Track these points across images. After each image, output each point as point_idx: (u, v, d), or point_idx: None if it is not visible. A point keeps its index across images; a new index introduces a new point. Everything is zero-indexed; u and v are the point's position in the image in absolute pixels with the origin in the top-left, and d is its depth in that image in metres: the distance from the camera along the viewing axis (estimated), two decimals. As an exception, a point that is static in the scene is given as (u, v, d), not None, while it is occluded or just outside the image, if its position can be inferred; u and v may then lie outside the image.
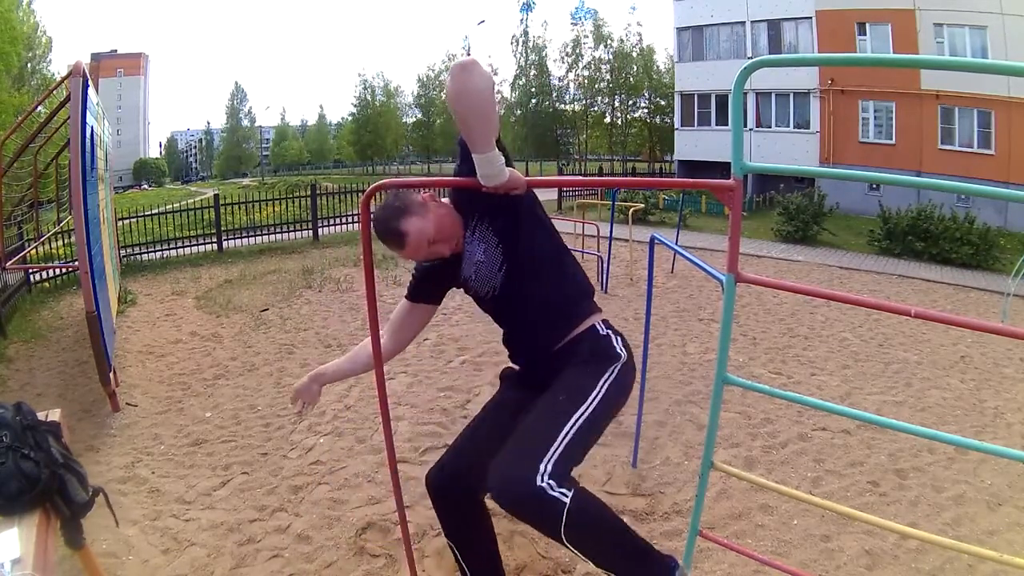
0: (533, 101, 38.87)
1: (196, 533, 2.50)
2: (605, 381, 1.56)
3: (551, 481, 1.31)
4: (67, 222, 7.40)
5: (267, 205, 12.53)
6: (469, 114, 1.39)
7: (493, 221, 1.64)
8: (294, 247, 10.33)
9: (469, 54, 42.64)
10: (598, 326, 1.66)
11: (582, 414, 1.47)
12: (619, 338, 1.66)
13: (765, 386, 1.55)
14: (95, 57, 59.11)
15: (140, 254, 9.27)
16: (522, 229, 1.64)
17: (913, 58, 1.30)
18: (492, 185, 1.45)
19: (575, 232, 8.20)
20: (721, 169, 18.43)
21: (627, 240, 8.46)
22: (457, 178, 1.63)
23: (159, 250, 9.50)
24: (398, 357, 4.75)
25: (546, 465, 1.34)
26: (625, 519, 2.60)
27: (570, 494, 1.31)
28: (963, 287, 9.37)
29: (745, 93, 1.37)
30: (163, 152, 71.89)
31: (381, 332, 1.65)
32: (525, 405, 1.61)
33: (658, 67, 37.32)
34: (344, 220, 11.79)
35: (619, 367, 1.60)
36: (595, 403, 1.51)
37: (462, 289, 1.78)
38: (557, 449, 1.39)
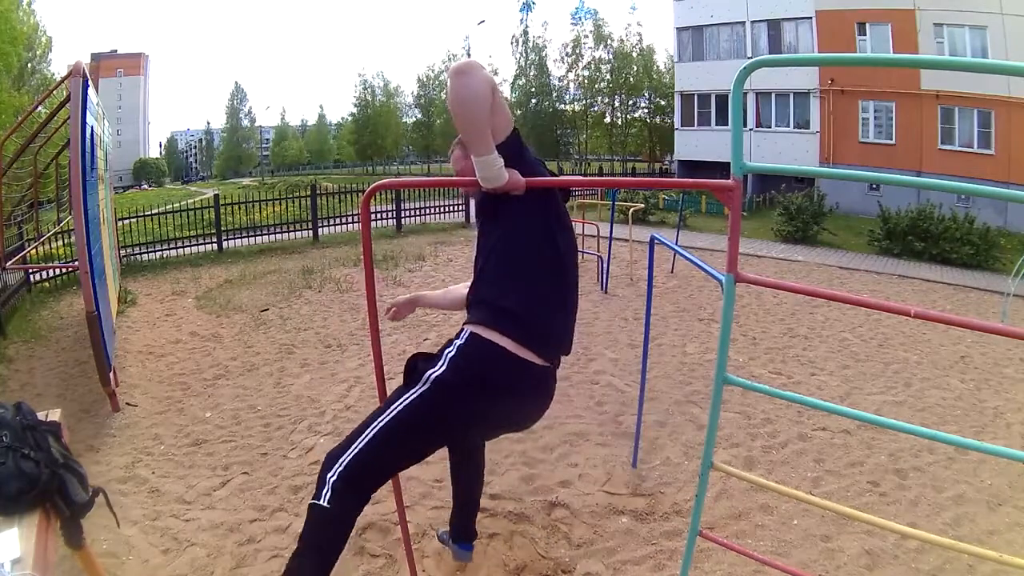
0: (533, 101, 38.87)
1: (196, 533, 2.50)
2: (406, 398, 1.51)
3: (331, 479, 1.46)
4: (67, 222, 7.40)
5: (267, 205, 12.54)
6: (465, 118, 1.40)
7: (488, 213, 1.65)
8: (294, 247, 10.33)
9: (469, 54, 42.74)
10: (457, 339, 1.58)
11: (378, 424, 1.51)
12: (454, 358, 1.52)
13: (765, 386, 1.55)
14: (95, 57, 59.10)
15: (140, 254, 9.27)
16: (498, 226, 1.61)
17: (913, 58, 1.30)
18: (491, 187, 1.46)
19: (575, 232, 8.19)
20: (721, 169, 18.43)
21: (627, 240, 8.46)
22: (458, 178, 1.63)
23: (159, 250, 9.50)
24: (398, 357, 4.75)
25: (336, 469, 1.47)
26: (625, 519, 2.61)
27: (327, 504, 1.44)
28: (963, 287, 9.36)
29: (745, 93, 1.37)
30: (163, 152, 71.88)
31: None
32: None
33: (658, 67, 37.32)
34: (344, 220, 11.79)
35: (423, 389, 1.51)
36: (387, 417, 1.50)
37: None
38: (352, 452, 1.49)
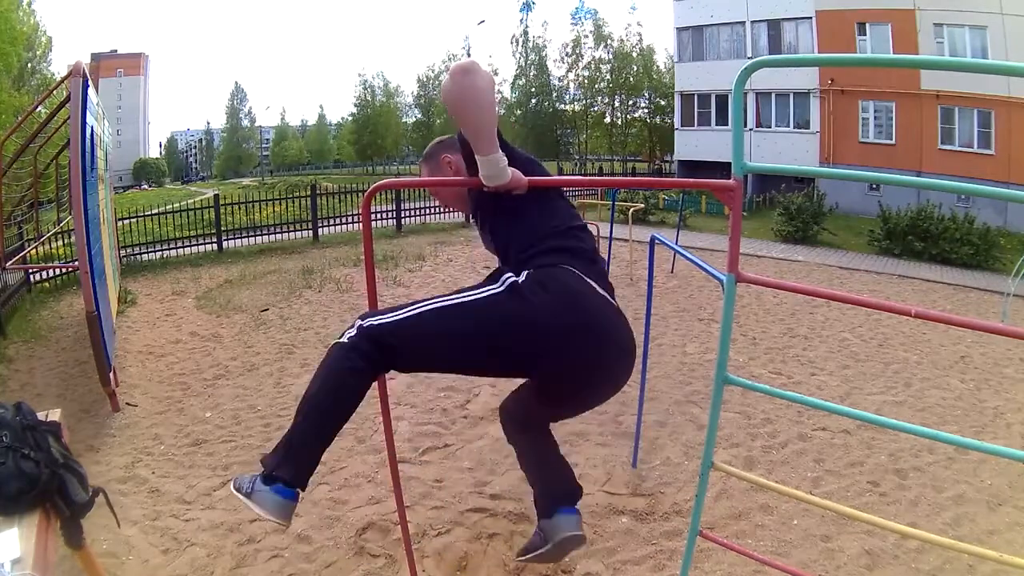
0: (533, 101, 38.88)
1: (196, 533, 2.50)
2: (473, 291, 1.50)
3: (360, 323, 1.47)
4: (67, 222, 7.40)
5: (267, 205, 12.54)
6: (472, 117, 1.40)
7: (489, 210, 1.67)
8: (294, 247, 10.33)
9: (469, 54, 42.74)
10: (509, 273, 1.54)
11: (433, 302, 1.49)
12: (532, 274, 1.49)
13: (765, 386, 1.55)
14: (95, 57, 59.09)
15: (140, 254, 9.27)
16: (504, 217, 1.63)
17: (913, 58, 1.30)
18: (494, 185, 1.46)
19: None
20: (721, 169, 18.42)
21: (627, 240, 8.46)
22: (458, 178, 1.63)
23: (159, 250, 9.50)
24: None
25: (371, 319, 1.47)
26: (625, 519, 2.61)
27: (348, 342, 1.45)
28: (963, 287, 9.36)
29: (745, 93, 1.37)
30: (163, 152, 71.87)
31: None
32: None
33: (658, 67, 37.32)
34: (344, 220, 11.79)
35: (497, 288, 1.48)
36: (447, 299, 1.48)
37: None
38: (391, 315, 1.47)
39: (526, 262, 1.52)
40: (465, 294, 1.49)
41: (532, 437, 1.86)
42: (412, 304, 1.49)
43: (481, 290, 1.48)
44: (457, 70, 1.38)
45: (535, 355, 1.47)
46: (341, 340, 1.48)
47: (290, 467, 1.43)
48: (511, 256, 1.58)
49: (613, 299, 1.59)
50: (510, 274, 1.50)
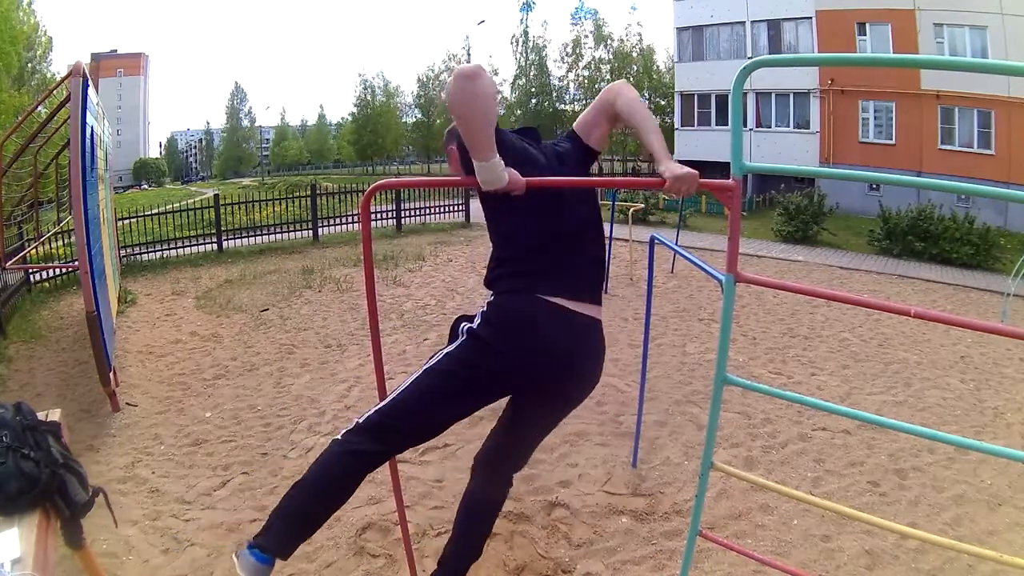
0: (533, 101, 38.86)
1: (196, 533, 2.50)
2: (442, 350, 1.63)
3: (359, 421, 1.62)
4: (67, 222, 7.40)
5: (267, 205, 12.54)
6: (470, 123, 1.42)
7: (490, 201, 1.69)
8: (294, 247, 10.33)
9: (469, 54, 42.75)
10: (465, 322, 1.67)
11: (410, 377, 1.63)
12: (485, 312, 1.61)
13: (765, 386, 1.55)
14: (95, 57, 59.11)
15: (140, 254, 9.27)
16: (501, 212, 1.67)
17: (913, 58, 1.31)
18: (492, 189, 1.47)
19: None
20: (721, 169, 18.40)
21: (627, 240, 8.47)
22: (459, 178, 1.63)
23: (159, 250, 9.50)
24: (398, 357, 4.75)
25: (368, 415, 1.62)
26: (625, 519, 2.61)
27: (338, 446, 1.63)
28: (963, 287, 9.36)
29: (745, 93, 1.37)
30: (163, 152, 71.90)
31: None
32: None
33: (658, 67, 37.31)
34: (344, 220, 11.79)
35: (459, 340, 1.62)
36: (424, 368, 1.62)
37: None
38: (381, 405, 1.62)
39: (491, 283, 1.67)
40: (432, 359, 1.63)
41: (487, 491, 1.88)
42: (395, 388, 1.63)
43: (444, 350, 1.63)
44: (460, 75, 1.39)
45: (507, 379, 1.62)
46: (337, 437, 1.64)
47: (270, 536, 1.55)
48: (488, 266, 1.71)
49: (590, 305, 1.64)
50: (465, 322, 1.65)
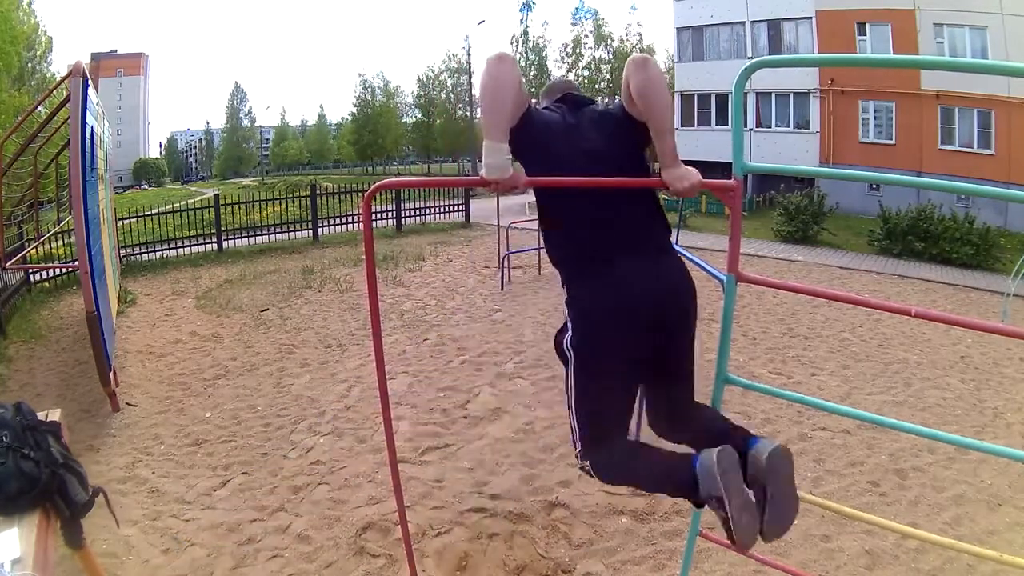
0: (533, 101, 38.88)
1: (196, 533, 2.50)
2: (568, 375, 1.63)
3: (583, 466, 1.63)
4: (67, 222, 7.40)
5: (267, 205, 12.54)
6: (484, 103, 1.48)
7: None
8: (294, 247, 10.33)
9: (469, 54, 42.74)
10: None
11: (570, 397, 1.64)
12: (569, 319, 1.63)
13: (765, 386, 1.55)
14: (95, 57, 59.07)
15: (140, 254, 9.27)
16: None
17: (913, 58, 1.31)
18: (492, 177, 1.46)
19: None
20: (721, 169, 18.34)
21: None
22: (458, 178, 1.63)
23: (159, 250, 9.50)
24: (398, 357, 4.75)
25: (577, 446, 1.62)
26: (625, 519, 2.61)
27: (601, 480, 1.62)
28: (963, 287, 9.37)
29: (745, 93, 1.37)
30: (163, 152, 71.85)
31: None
32: None
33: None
34: (344, 220, 11.78)
35: (571, 358, 1.61)
36: (570, 391, 1.63)
37: None
38: (574, 427, 1.64)
39: (563, 284, 1.66)
40: (569, 383, 1.62)
41: (685, 430, 1.75)
42: (569, 413, 1.63)
43: (569, 371, 1.62)
44: (492, 58, 1.47)
45: (619, 349, 1.57)
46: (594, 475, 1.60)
47: None
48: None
49: (646, 250, 1.60)
50: (563, 337, 1.64)
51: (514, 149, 1.51)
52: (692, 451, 1.59)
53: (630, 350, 1.57)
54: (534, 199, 1.74)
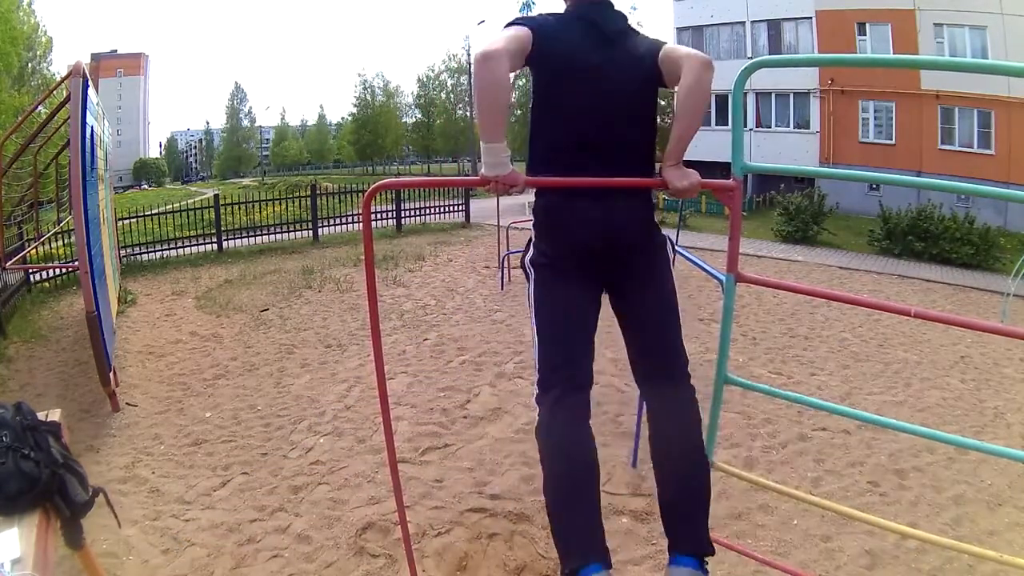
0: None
1: (196, 533, 2.50)
2: (528, 291, 1.66)
3: (535, 387, 1.59)
4: (67, 222, 7.40)
5: (267, 205, 12.54)
6: (479, 106, 1.43)
7: None
8: (294, 247, 10.33)
9: (469, 54, 42.68)
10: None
11: (533, 325, 1.68)
12: (531, 236, 1.67)
13: (765, 386, 1.55)
14: (95, 57, 59.04)
15: (140, 254, 9.27)
16: None
17: (913, 58, 1.31)
18: (492, 175, 1.45)
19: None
20: (721, 169, 18.36)
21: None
22: (458, 178, 1.63)
23: (159, 250, 9.50)
24: (398, 357, 4.75)
25: (535, 378, 1.61)
26: (625, 519, 2.61)
27: (543, 415, 1.53)
28: (963, 287, 9.37)
29: (745, 93, 1.37)
30: (163, 152, 71.80)
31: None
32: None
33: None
34: (344, 220, 11.79)
35: (531, 274, 1.65)
36: (531, 314, 1.66)
37: None
38: (534, 358, 1.64)
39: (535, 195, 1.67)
40: (529, 300, 1.66)
41: (657, 398, 1.60)
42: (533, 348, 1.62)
43: (529, 286, 1.66)
44: (478, 58, 1.38)
45: (573, 272, 1.59)
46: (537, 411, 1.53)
47: (572, 549, 1.41)
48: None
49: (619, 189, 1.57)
50: (525, 256, 1.68)
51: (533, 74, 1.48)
52: (591, 550, 1.42)
53: (582, 276, 1.58)
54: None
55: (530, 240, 1.66)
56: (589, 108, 1.54)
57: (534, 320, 1.61)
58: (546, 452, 1.46)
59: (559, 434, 1.47)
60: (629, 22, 1.67)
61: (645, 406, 1.66)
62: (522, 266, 1.70)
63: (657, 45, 1.57)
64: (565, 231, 1.57)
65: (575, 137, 1.55)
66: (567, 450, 1.45)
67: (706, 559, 1.43)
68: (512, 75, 1.52)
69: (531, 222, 1.67)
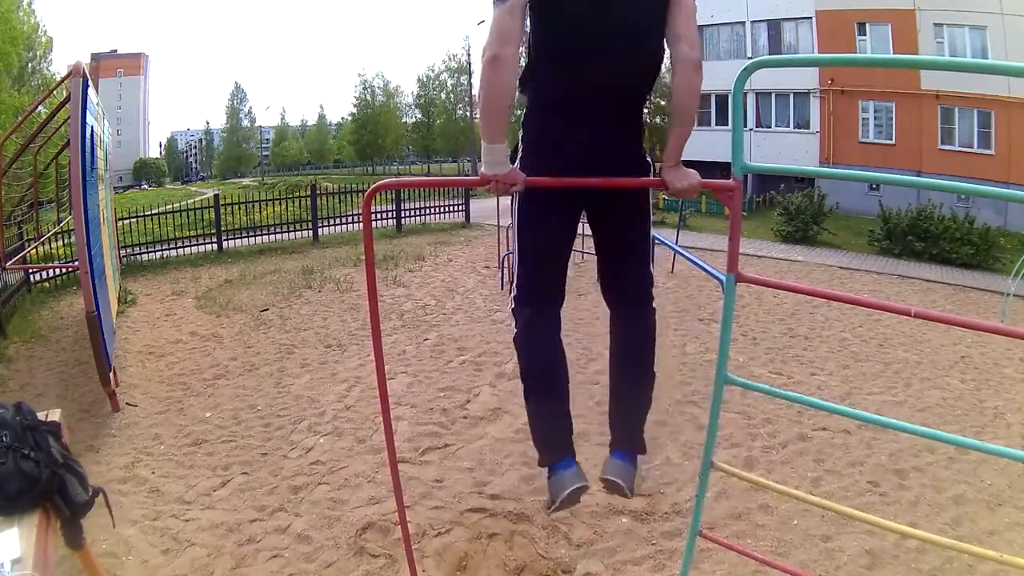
0: (532, 101, 38.80)
1: (196, 533, 2.50)
2: (513, 211, 1.76)
3: (511, 304, 1.76)
4: (67, 222, 7.40)
5: (267, 205, 12.54)
6: (481, 106, 1.48)
7: None
8: (294, 247, 10.33)
9: (469, 55, 42.69)
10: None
11: (514, 243, 1.81)
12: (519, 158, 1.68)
13: (765, 386, 1.55)
14: (95, 57, 58.99)
15: (140, 254, 9.27)
16: None
17: (913, 58, 1.31)
18: (491, 174, 1.47)
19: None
20: (721, 169, 18.33)
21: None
22: (458, 178, 1.63)
23: (159, 250, 9.50)
24: (398, 357, 4.75)
25: (512, 294, 1.77)
26: (625, 519, 2.61)
27: (518, 334, 1.74)
28: (963, 287, 9.37)
29: (745, 93, 1.37)
30: (163, 152, 71.76)
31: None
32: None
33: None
34: (344, 220, 11.78)
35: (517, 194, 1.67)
36: (514, 232, 1.77)
37: None
38: (514, 275, 1.80)
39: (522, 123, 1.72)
40: (513, 219, 1.75)
41: (618, 316, 1.85)
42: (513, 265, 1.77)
43: (514, 207, 1.74)
44: (485, 61, 1.43)
45: (559, 203, 1.68)
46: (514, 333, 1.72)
47: (544, 450, 1.67)
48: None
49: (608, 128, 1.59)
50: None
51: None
52: (567, 449, 1.66)
53: (566, 201, 1.67)
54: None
55: (517, 148, 1.68)
56: (598, 34, 1.50)
57: (516, 238, 1.74)
58: (524, 358, 1.70)
59: (535, 344, 1.70)
60: None
61: (609, 317, 1.85)
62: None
63: None
64: (556, 154, 1.60)
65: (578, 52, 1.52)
66: (541, 358, 1.70)
67: (638, 455, 1.73)
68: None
69: (520, 135, 1.70)
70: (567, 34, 1.51)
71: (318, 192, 11.86)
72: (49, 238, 7.55)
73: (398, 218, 12.34)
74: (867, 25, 17.40)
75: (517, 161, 1.64)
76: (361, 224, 1.61)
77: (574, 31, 1.50)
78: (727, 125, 20.17)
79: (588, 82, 1.53)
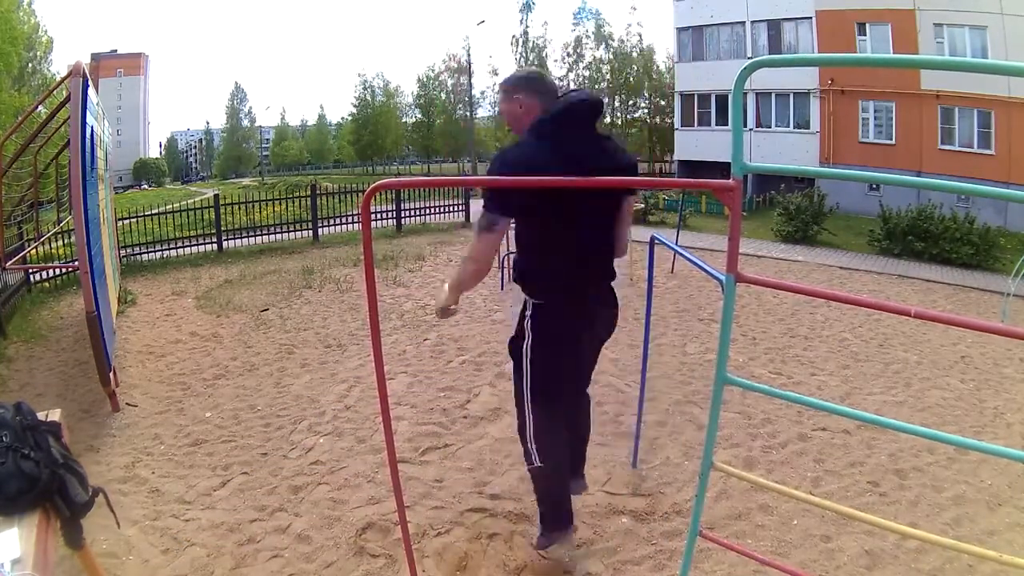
0: (532, 101, 38.78)
1: (196, 533, 2.50)
2: (526, 367, 2.13)
3: (533, 445, 2.23)
4: (67, 222, 7.40)
5: (267, 205, 12.54)
6: (458, 283, 2.04)
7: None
8: (294, 247, 10.33)
9: (469, 54, 42.72)
10: (525, 310, 2.11)
11: (525, 391, 2.18)
12: (529, 327, 2.08)
13: (765, 386, 1.55)
14: (95, 57, 59.03)
15: (140, 254, 9.27)
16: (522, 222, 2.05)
17: (913, 58, 1.30)
18: (441, 310, 2.08)
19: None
20: (721, 169, 18.38)
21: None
22: (459, 177, 1.63)
23: (159, 250, 9.50)
24: (398, 357, 4.75)
25: (528, 429, 2.20)
26: (625, 519, 2.61)
27: (541, 463, 2.21)
28: (963, 287, 9.37)
29: (745, 93, 1.37)
30: (163, 152, 71.82)
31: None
32: None
33: (658, 67, 37.31)
34: (344, 220, 11.79)
35: (529, 356, 2.09)
36: (526, 385, 2.16)
37: None
38: (527, 416, 2.22)
39: (519, 280, 2.10)
40: (526, 376, 2.12)
41: (576, 402, 2.38)
42: (521, 404, 2.18)
43: (526, 363, 2.12)
44: (471, 269, 2.00)
45: (570, 350, 2.13)
46: (536, 464, 2.15)
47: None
48: (516, 261, 2.13)
49: (605, 278, 2.12)
50: (524, 342, 2.12)
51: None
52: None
53: (579, 357, 2.16)
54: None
55: (523, 327, 2.09)
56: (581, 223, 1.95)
57: (530, 386, 2.11)
58: (555, 481, 2.18)
59: (557, 433, 2.17)
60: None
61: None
62: (513, 350, 2.14)
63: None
64: (566, 333, 2.05)
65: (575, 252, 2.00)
66: (562, 447, 2.18)
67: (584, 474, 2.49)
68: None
69: (528, 313, 2.06)
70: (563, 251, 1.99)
71: (318, 192, 11.86)
72: (49, 238, 7.55)
73: (398, 218, 12.34)
74: (867, 25, 17.41)
75: (529, 331, 2.08)
76: (361, 224, 1.61)
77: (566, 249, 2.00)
78: (727, 125, 20.19)
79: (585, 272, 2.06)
